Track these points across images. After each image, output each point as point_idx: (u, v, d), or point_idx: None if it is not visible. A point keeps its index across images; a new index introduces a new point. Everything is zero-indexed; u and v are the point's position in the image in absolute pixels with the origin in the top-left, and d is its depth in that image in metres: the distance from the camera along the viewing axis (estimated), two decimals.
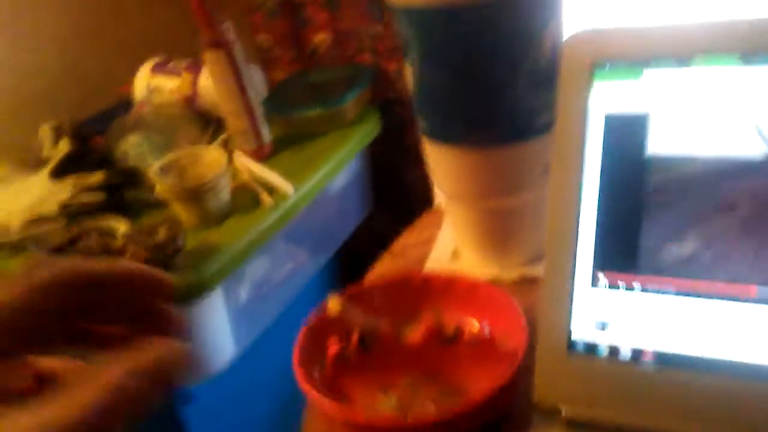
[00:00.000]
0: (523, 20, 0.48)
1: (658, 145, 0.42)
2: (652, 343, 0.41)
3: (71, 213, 0.89)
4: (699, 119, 0.41)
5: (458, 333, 0.49)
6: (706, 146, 0.41)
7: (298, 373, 0.44)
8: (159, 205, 0.90)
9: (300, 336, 0.47)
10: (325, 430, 0.46)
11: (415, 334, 0.48)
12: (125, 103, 1.12)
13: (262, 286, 0.94)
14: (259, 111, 0.98)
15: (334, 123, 1.04)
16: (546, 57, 0.50)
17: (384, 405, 0.45)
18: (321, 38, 1.13)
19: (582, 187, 0.43)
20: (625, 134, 0.43)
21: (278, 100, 1.06)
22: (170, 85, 1.10)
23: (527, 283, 0.56)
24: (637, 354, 0.41)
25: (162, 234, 0.80)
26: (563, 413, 0.42)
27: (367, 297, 0.52)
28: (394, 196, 1.13)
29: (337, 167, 0.99)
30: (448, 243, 0.62)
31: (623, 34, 0.43)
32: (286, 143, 1.03)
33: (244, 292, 0.91)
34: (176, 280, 0.76)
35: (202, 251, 0.83)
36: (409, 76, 0.54)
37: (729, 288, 0.39)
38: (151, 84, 1.10)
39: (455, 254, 0.61)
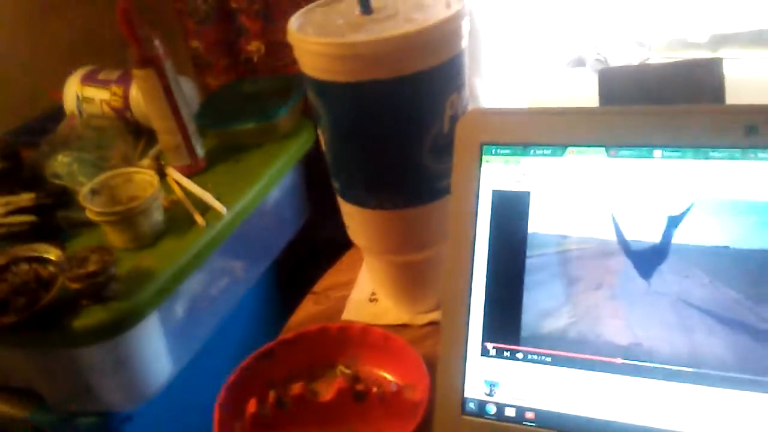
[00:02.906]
0: (425, 94, 0.51)
1: (537, 223, 0.46)
2: (534, 404, 0.45)
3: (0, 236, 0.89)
4: (571, 202, 0.45)
5: (368, 389, 0.52)
6: (577, 227, 0.45)
7: None
8: (91, 225, 0.90)
9: (221, 394, 0.50)
10: None
11: (328, 392, 0.52)
12: (56, 112, 1.11)
13: (197, 302, 0.95)
14: (191, 127, 0.99)
15: (268, 135, 1.05)
16: (447, 126, 0.53)
17: None
18: (255, 47, 1.14)
19: (474, 259, 0.47)
20: (510, 210, 0.47)
21: (211, 113, 1.06)
22: (101, 96, 1.09)
23: (437, 327, 0.60)
24: (520, 414, 0.45)
25: (93, 262, 0.81)
26: None
27: (288, 349, 0.55)
28: (330, 204, 1.15)
29: (272, 181, 1.01)
30: (367, 286, 0.66)
31: (507, 119, 0.47)
32: (221, 156, 1.03)
33: (179, 310, 0.93)
34: (110, 310, 0.79)
35: (136, 276, 0.84)
36: (321, 139, 0.56)
37: (598, 359, 0.44)
38: (81, 95, 1.09)
39: (373, 296, 0.65)
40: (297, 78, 1.09)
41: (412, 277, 0.59)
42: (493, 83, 0.97)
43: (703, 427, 0.40)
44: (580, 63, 1.11)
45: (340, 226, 1.01)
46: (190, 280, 0.92)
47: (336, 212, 1.11)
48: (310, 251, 1.13)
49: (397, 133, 0.51)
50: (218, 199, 0.95)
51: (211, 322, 0.98)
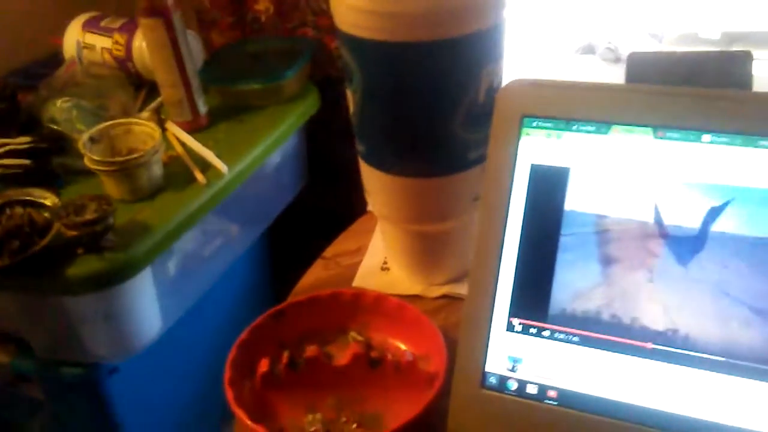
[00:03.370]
0: (463, 60, 0.50)
1: (575, 200, 0.45)
2: (557, 384, 0.45)
3: None
4: (612, 182, 0.44)
5: (383, 357, 0.51)
6: (616, 208, 0.44)
7: (228, 393, 0.46)
8: (87, 174, 0.88)
9: (232, 352, 0.49)
10: None
11: (343, 356, 0.51)
12: (55, 57, 1.08)
13: (191, 261, 0.94)
14: (195, 82, 0.97)
15: (273, 98, 1.03)
16: (482, 97, 0.52)
17: (309, 424, 0.48)
18: (263, 7, 1.11)
19: (505, 233, 0.46)
20: (548, 185, 0.46)
21: (216, 70, 1.04)
22: (102, 44, 1.06)
23: (450, 300, 0.59)
24: (542, 392, 0.45)
25: (91, 211, 0.79)
26: None
27: (300, 311, 0.54)
28: (329, 173, 1.14)
29: (275, 144, 0.99)
30: (379, 253, 0.65)
31: (551, 92, 0.46)
32: (223, 115, 1.01)
33: (172, 267, 0.91)
34: (105, 261, 0.77)
35: (133, 229, 0.82)
36: (350, 99, 0.55)
37: (628, 342, 0.43)
38: (82, 41, 1.06)
39: (385, 265, 0.64)
40: (305, 41, 1.08)
41: (429, 247, 0.58)
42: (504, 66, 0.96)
43: (730, 417, 0.40)
44: (590, 51, 1.10)
45: (338, 196, 1.00)
46: (185, 237, 0.90)
47: (334, 182, 1.10)
48: (306, 219, 1.12)
49: (431, 99, 0.50)
50: (218, 157, 0.93)
51: (202, 282, 0.97)
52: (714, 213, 0.42)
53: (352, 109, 0.55)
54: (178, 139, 0.95)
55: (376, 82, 0.51)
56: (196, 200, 0.87)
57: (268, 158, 1.00)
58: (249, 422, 0.44)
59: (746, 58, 0.56)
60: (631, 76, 0.56)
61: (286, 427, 0.48)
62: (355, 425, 0.49)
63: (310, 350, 0.51)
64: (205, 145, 0.94)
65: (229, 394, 0.46)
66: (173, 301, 0.91)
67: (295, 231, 1.10)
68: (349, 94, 0.55)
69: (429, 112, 0.51)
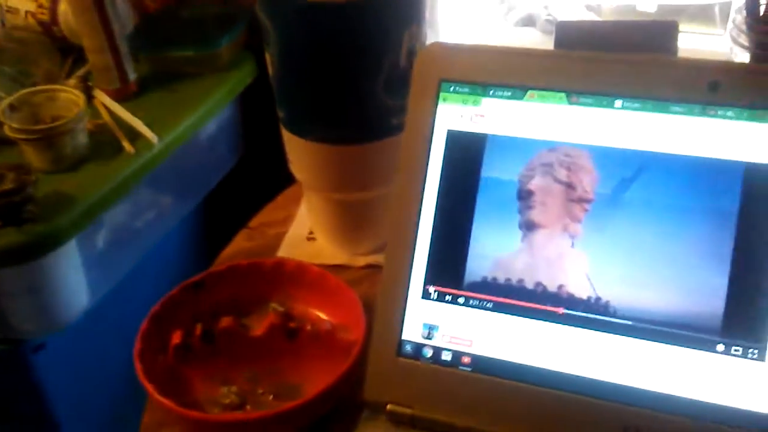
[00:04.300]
0: (383, 21, 0.49)
1: (491, 167, 0.45)
2: (471, 350, 0.45)
3: None
4: (528, 148, 0.44)
5: (301, 326, 0.51)
6: (532, 174, 0.44)
7: (137, 366, 0.45)
8: (7, 143, 0.84)
9: (143, 324, 0.48)
10: (163, 419, 0.48)
11: (259, 327, 0.50)
12: None
13: (120, 233, 0.91)
14: (124, 48, 0.93)
15: (207, 66, 1.00)
16: (403, 60, 0.51)
17: (224, 397, 0.47)
18: None
19: (423, 200, 0.46)
20: (465, 152, 0.45)
21: (146, 36, 1.00)
22: (26, 7, 1.01)
23: (375, 270, 0.59)
24: (456, 358, 0.45)
25: (9, 181, 0.76)
26: (389, 409, 0.45)
27: (218, 281, 0.53)
28: (266, 145, 1.12)
29: (208, 114, 0.96)
30: (305, 223, 0.64)
31: (469, 56, 0.45)
32: (154, 83, 0.98)
33: (100, 240, 0.89)
34: (25, 233, 0.74)
35: (55, 200, 0.79)
36: (268, 62, 0.53)
37: (539, 307, 0.43)
38: (5, 4, 1.01)
39: (311, 235, 0.63)
40: (241, 7, 1.04)
41: (354, 217, 0.57)
42: (442, 37, 0.95)
43: (639, 379, 0.41)
44: (530, 22, 1.10)
45: (276, 167, 0.98)
46: (114, 209, 0.87)
47: (273, 152, 1.08)
48: (243, 190, 1.10)
49: (350, 62, 0.49)
50: (149, 126, 0.90)
51: (134, 255, 0.94)
52: (626, 180, 0.42)
53: (271, 73, 0.54)
54: (106, 107, 0.92)
55: (292, 44, 0.49)
56: (124, 171, 0.84)
57: (202, 128, 0.97)
58: (158, 396, 0.43)
59: (672, 27, 0.56)
60: (559, 45, 0.55)
61: (201, 400, 0.47)
62: (271, 397, 0.48)
63: (225, 321, 0.50)
64: (134, 114, 0.91)
65: (138, 368, 0.44)
66: (101, 274, 0.88)
67: (231, 203, 1.08)
68: (267, 57, 0.53)
69: (348, 75, 0.50)
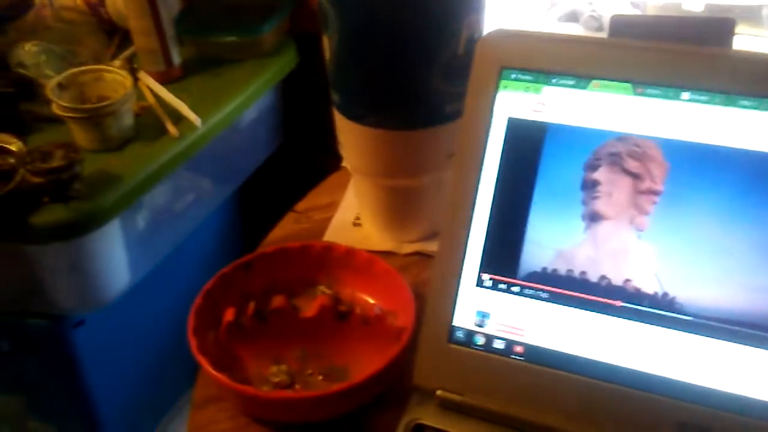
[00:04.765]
0: (444, 9, 0.48)
1: (552, 156, 0.44)
2: (524, 339, 0.44)
3: None
4: (591, 138, 0.44)
5: (351, 310, 0.51)
6: (595, 165, 0.44)
7: (191, 341, 0.45)
8: (55, 121, 0.86)
9: (197, 300, 0.48)
10: (215, 394, 0.48)
11: (310, 308, 0.50)
12: (25, 1, 1.04)
13: (161, 215, 0.92)
14: (170, 31, 0.94)
15: (250, 51, 1.01)
16: (462, 48, 0.50)
17: (274, 375, 0.47)
18: None
19: (479, 187, 0.45)
20: (525, 140, 0.45)
21: (192, 20, 1.01)
22: None
23: (422, 258, 0.59)
24: (509, 347, 0.45)
25: (58, 158, 0.77)
26: (439, 395, 0.45)
27: (268, 262, 0.53)
28: (306, 132, 1.12)
29: (250, 100, 0.97)
30: (351, 209, 0.64)
31: (531, 43, 0.45)
32: (197, 67, 0.99)
33: (142, 221, 0.90)
34: (71, 210, 0.75)
35: (101, 179, 0.80)
36: (326, 46, 0.53)
37: (596, 299, 0.43)
38: None
39: (357, 221, 0.63)
40: None
41: (402, 203, 0.57)
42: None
43: (694, 376, 0.40)
44: (573, 18, 1.09)
45: (314, 155, 0.98)
46: (155, 191, 0.88)
47: (313, 139, 1.08)
48: (282, 177, 1.10)
49: (409, 48, 0.49)
50: (192, 110, 0.90)
51: (173, 237, 0.95)
52: (694, 173, 0.42)
53: (327, 56, 0.54)
54: (150, 89, 0.93)
55: (353, 27, 0.49)
56: (167, 152, 0.85)
57: (243, 113, 0.98)
58: (212, 371, 0.43)
59: (729, 24, 0.55)
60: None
61: (251, 377, 0.48)
62: (320, 377, 0.48)
63: (277, 301, 0.50)
64: (178, 96, 0.92)
65: (193, 343, 0.45)
66: (142, 254, 0.89)
67: (269, 188, 1.08)
68: (325, 40, 0.53)
69: (407, 61, 0.50)
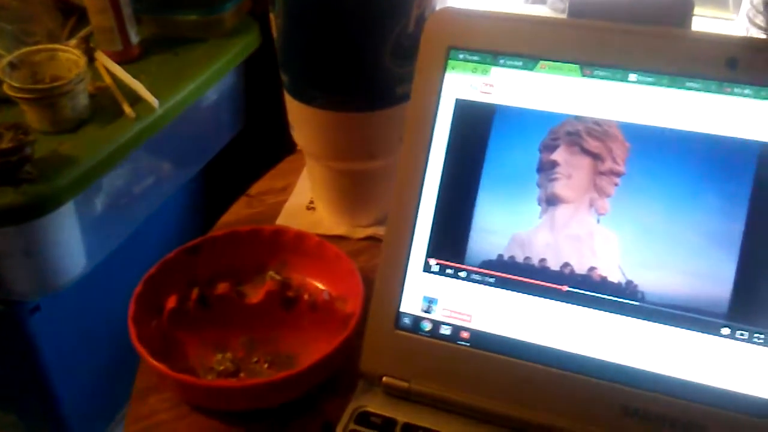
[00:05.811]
0: None
1: (500, 139, 0.44)
2: (471, 325, 0.44)
3: None
4: (538, 120, 0.43)
5: (298, 296, 0.50)
6: (540, 148, 0.43)
7: (131, 329, 0.44)
8: (6, 102, 0.83)
9: (138, 287, 0.47)
10: (155, 384, 0.47)
11: (256, 294, 0.49)
12: None
13: (119, 198, 0.91)
14: (127, 10, 0.91)
15: (210, 31, 0.99)
16: (412, 26, 0.49)
17: (218, 363, 0.46)
18: None
19: (426, 171, 0.44)
20: (472, 123, 0.44)
21: None
22: None
23: (375, 242, 0.58)
24: (456, 333, 0.44)
25: (6, 140, 0.74)
26: (385, 382, 0.45)
27: (215, 247, 0.52)
28: (269, 115, 1.10)
29: (211, 81, 0.95)
30: (306, 193, 0.62)
31: (479, 22, 0.44)
32: (157, 46, 0.97)
33: (99, 204, 0.88)
34: (22, 194, 0.73)
35: (54, 162, 0.78)
36: (273, 25, 0.52)
37: (542, 284, 0.42)
38: None
39: (311, 205, 0.62)
40: None
41: (355, 187, 0.56)
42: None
43: (638, 360, 0.40)
44: (540, 0, 1.08)
45: (278, 137, 0.97)
46: (113, 173, 0.87)
47: (275, 122, 1.06)
48: (244, 159, 1.09)
49: (358, 26, 0.48)
50: (150, 91, 0.88)
51: (132, 220, 0.94)
52: (649, 155, 0.41)
53: (275, 36, 0.52)
54: (107, 69, 0.91)
55: (299, 5, 0.48)
56: (124, 134, 0.83)
57: (204, 95, 0.96)
58: (150, 359, 0.42)
59: (687, 4, 0.54)
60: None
61: (196, 366, 0.47)
62: (266, 365, 0.47)
63: (222, 287, 0.49)
64: (136, 77, 0.89)
65: (132, 331, 0.43)
66: (99, 238, 0.88)
67: (232, 171, 1.06)
68: (272, 19, 0.52)
69: (356, 38, 0.48)
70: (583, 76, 0.42)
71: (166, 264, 0.49)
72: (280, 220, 0.60)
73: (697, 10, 0.46)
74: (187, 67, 0.93)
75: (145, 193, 0.95)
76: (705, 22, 0.95)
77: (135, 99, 0.87)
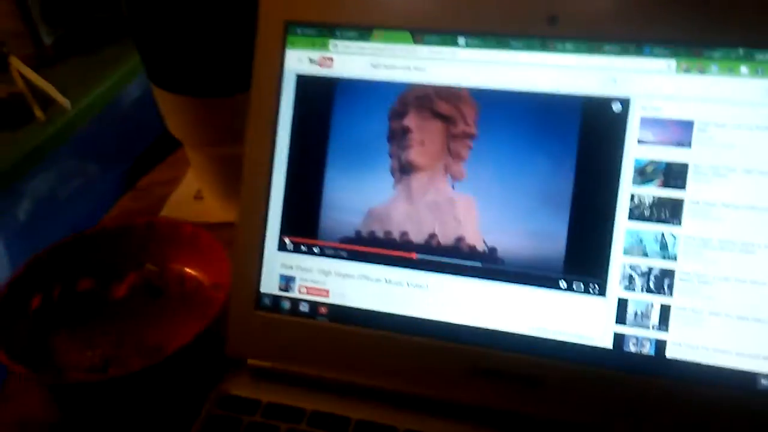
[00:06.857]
0: None
1: (343, 112, 0.43)
2: (328, 299, 0.44)
3: None
4: (377, 90, 0.42)
5: (164, 286, 0.50)
6: (384, 119, 0.42)
7: None
8: None
9: (2, 291, 0.47)
10: (23, 387, 0.47)
11: (120, 288, 0.49)
12: None
13: (46, 204, 0.90)
14: (36, 11, 0.91)
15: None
16: None
17: (88, 360, 0.46)
18: None
19: (275, 150, 0.44)
20: (314, 98, 0.44)
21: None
22: None
23: None
24: (314, 309, 0.44)
25: None
26: (250, 364, 0.44)
27: (87, 245, 0.51)
28: None
29: (126, 79, 0.94)
30: (193, 183, 0.62)
31: None
32: (73, 46, 0.96)
33: (22, 212, 0.87)
34: None
35: None
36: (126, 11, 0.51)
37: (392, 254, 0.42)
38: None
39: (199, 194, 0.62)
40: None
41: (233, 172, 0.55)
42: None
43: (495, 321, 0.40)
44: None
45: None
46: (36, 179, 0.86)
47: None
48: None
49: (214, 8, 0.47)
50: (64, 92, 0.88)
51: (61, 226, 0.93)
52: (495, 116, 0.40)
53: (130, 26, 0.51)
54: (20, 73, 0.90)
55: None
56: (35, 138, 0.83)
57: (122, 92, 0.95)
58: (9, 362, 0.42)
59: None
60: None
61: (65, 365, 0.46)
62: (137, 358, 0.47)
63: (84, 283, 0.49)
64: (51, 79, 0.89)
65: None
66: (26, 247, 0.87)
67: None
68: (123, 3, 0.51)
69: (212, 22, 0.48)
70: (415, 43, 0.42)
71: (30, 267, 0.49)
72: (165, 211, 0.60)
73: None
74: (102, 67, 0.93)
75: (73, 197, 0.94)
76: None
77: (49, 101, 0.87)
